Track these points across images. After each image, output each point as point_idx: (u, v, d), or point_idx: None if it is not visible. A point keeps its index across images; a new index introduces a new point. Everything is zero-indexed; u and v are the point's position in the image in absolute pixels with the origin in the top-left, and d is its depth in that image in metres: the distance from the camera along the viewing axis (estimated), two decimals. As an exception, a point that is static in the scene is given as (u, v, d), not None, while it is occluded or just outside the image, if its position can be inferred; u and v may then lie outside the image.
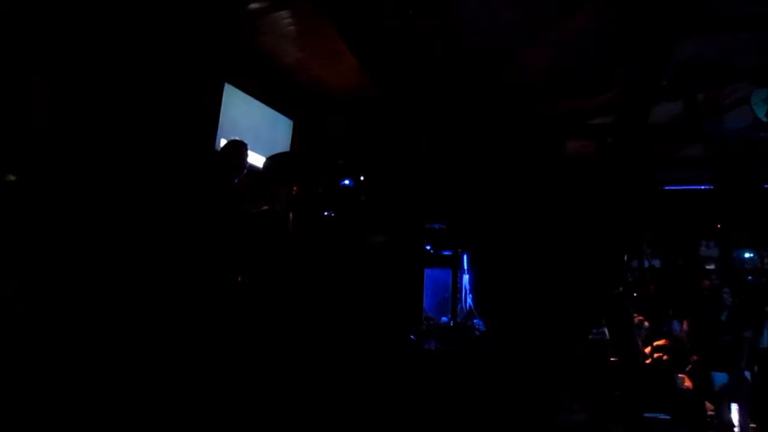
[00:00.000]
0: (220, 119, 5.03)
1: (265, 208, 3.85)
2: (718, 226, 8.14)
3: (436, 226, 6.39)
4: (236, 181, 3.98)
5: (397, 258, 5.48)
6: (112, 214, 3.47)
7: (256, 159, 4.90)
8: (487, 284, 6.68)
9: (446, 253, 6.57)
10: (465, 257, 6.89)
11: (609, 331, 4.16)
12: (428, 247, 6.48)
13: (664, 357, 6.48)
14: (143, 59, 3.99)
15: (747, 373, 5.29)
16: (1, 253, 2.83)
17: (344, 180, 4.83)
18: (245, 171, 4.07)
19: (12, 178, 3.13)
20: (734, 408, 5.18)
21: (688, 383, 6.03)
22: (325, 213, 4.45)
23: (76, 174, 3.43)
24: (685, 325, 6.48)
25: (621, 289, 4.10)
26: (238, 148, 4.11)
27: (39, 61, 3.29)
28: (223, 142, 5.02)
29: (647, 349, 6.42)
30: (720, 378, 5.29)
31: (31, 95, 3.26)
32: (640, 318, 6.64)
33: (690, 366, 6.14)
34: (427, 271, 6.42)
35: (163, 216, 3.57)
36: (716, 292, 5.43)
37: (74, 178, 3.41)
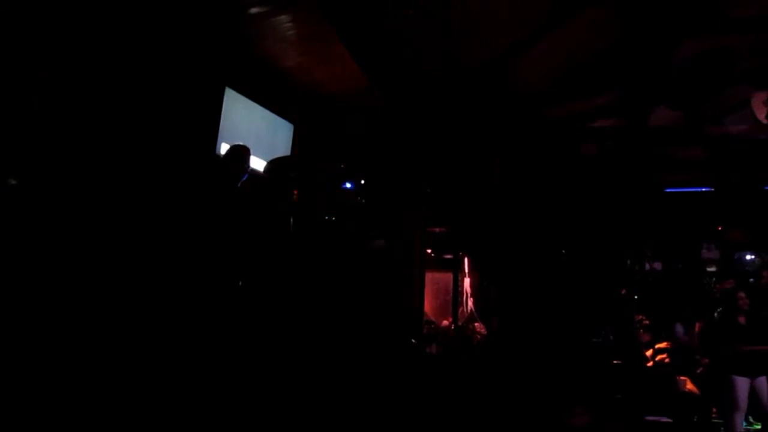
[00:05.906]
0: (221, 123, 5.03)
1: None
2: (719, 228, 8.15)
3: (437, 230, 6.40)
4: (238, 185, 3.98)
5: (397, 261, 5.47)
6: (115, 219, 3.47)
7: (257, 163, 4.89)
8: (489, 288, 6.68)
9: (447, 256, 6.57)
10: (466, 260, 6.89)
11: (611, 334, 4.17)
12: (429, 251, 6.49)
13: (666, 360, 6.47)
14: (145, 63, 3.99)
15: None
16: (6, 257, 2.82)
17: (345, 183, 4.83)
18: (247, 176, 4.07)
19: (13, 181, 3.12)
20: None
21: (689, 386, 6.01)
22: (326, 216, 4.44)
23: (77, 178, 3.42)
24: (696, 328, 6.35)
25: (623, 291, 4.10)
26: (240, 153, 4.11)
27: (38, 61, 3.29)
28: (224, 146, 5.02)
29: (649, 352, 6.41)
30: None
31: (30, 97, 3.25)
32: (646, 322, 6.62)
33: (701, 369, 6.07)
34: (428, 275, 6.42)
35: (166, 221, 3.57)
36: (731, 296, 5.29)
37: (75, 182, 3.41)
